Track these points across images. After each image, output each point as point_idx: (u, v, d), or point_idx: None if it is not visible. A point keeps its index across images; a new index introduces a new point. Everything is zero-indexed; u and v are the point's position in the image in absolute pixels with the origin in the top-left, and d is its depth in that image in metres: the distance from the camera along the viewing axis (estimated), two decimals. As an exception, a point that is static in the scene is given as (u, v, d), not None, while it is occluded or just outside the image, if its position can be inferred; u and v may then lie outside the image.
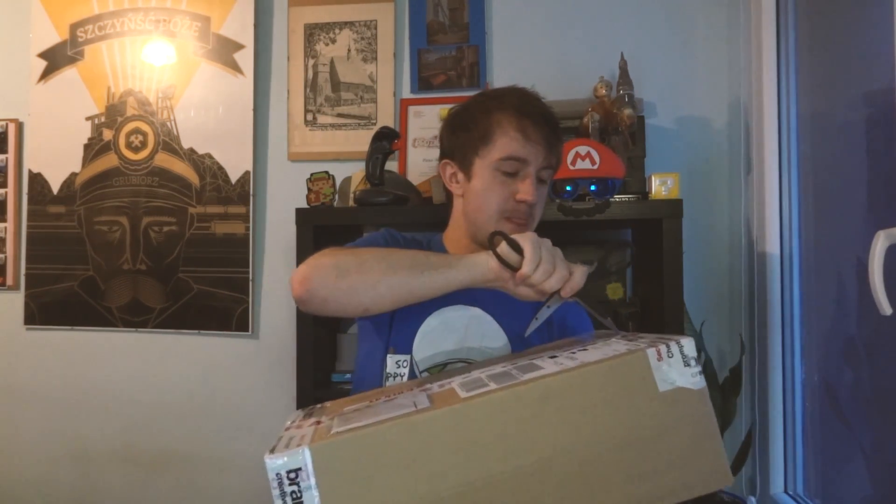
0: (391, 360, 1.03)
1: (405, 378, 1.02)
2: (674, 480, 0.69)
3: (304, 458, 0.62)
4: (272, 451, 0.64)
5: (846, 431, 1.38)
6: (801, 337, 1.54)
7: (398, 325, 1.04)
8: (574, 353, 0.76)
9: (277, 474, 0.62)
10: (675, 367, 0.69)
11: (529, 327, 0.88)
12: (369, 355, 1.07)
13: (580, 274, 0.83)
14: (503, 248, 0.84)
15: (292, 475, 0.62)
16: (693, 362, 0.69)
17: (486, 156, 1.01)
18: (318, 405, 0.91)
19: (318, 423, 0.74)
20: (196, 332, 1.96)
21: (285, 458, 0.62)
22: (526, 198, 0.99)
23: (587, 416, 0.68)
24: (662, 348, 0.69)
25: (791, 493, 1.55)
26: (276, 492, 0.62)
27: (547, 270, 0.82)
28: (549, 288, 0.83)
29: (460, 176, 1.07)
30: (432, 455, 0.65)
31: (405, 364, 1.03)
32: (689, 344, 0.70)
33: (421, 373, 1.02)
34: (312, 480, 0.62)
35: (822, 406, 1.48)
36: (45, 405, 2.05)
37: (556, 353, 0.79)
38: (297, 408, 1.56)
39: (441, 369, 1.02)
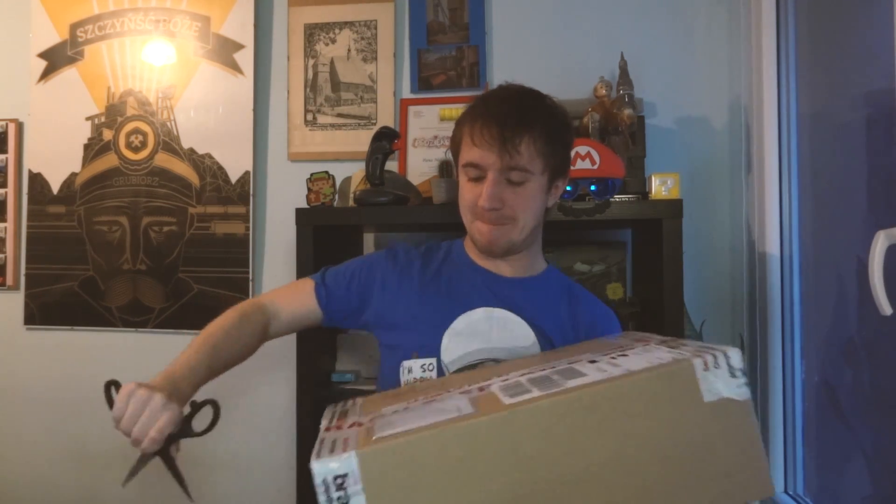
0: (416, 364, 1.02)
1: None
2: (717, 491, 0.69)
3: (351, 463, 0.62)
4: (317, 455, 0.63)
5: (846, 431, 1.38)
6: (801, 337, 1.54)
7: (422, 328, 1.04)
8: (615, 358, 0.75)
9: (324, 479, 0.62)
10: (722, 378, 0.68)
11: (126, 480, 0.85)
12: (393, 367, 1.05)
13: (157, 431, 0.81)
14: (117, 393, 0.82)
15: (339, 481, 0.62)
16: (739, 373, 0.69)
17: (459, 162, 1.05)
18: (350, 401, 0.90)
19: (359, 424, 0.74)
20: (196, 332, 1.93)
21: (335, 464, 0.62)
22: (481, 203, 0.99)
23: (634, 425, 0.67)
24: (709, 358, 0.68)
25: (791, 493, 1.55)
26: (322, 497, 0.62)
27: (130, 421, 0.81)
28: (136, 438, 0.82)
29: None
30: (479, 462, 0.65)
31: (432, 367, 1.02)
32: (735, 355, 0.69)
33: (450, 374, 1.01)
34: (360, 486, 0.62)
35: (822, 406, 1.48)
36: (45, 405, 2.05)
37: (595, 356, 0.78)
38: (297, 407, 1.57)
39: (474, 368, 1.01)
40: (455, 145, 1.06)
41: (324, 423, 0.80)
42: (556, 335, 1.05)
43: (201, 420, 0.87)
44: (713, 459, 0.68)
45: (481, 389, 0.76)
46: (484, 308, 1.05)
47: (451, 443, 0.64)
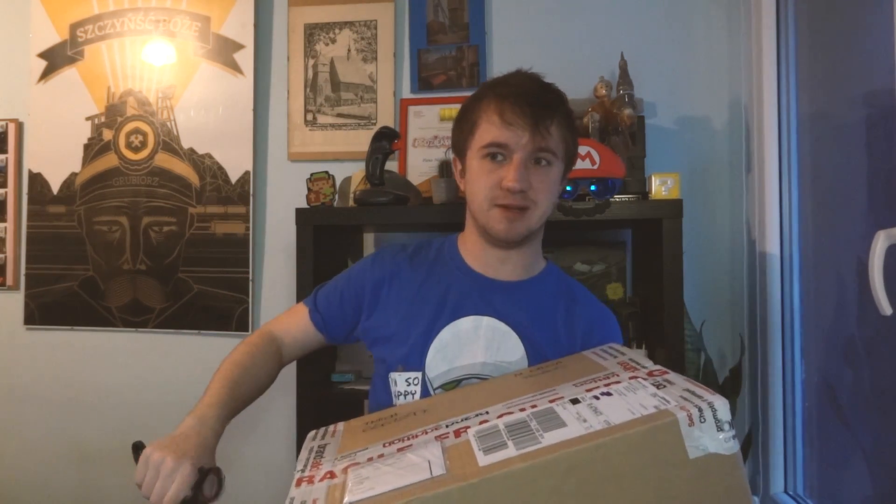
0: (400, 377, 0.99)
1: (416, 396, 0.98)
2: None
3: None
4: None
5: (846, 431, 1.38)
6: (801, 337, 1.54)
7: (408, 339, 1.01)
8: (598, 398, 0.72)
9: None
10: (708, 433, 0.65)
11: None
12: (382, 378, 1.04)
13: (169, 499, 0.81)
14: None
15: None
16: (727, 426, 0.65)
17: (473, 146, 0.99)
18: (331, 430, 0.89)
19: (331, 475, 0.72)
20: (196, 332, 1.96)
21: None
22: (508, 184, 0.94)
23: (614, 486, 0.64)
24: (694, 412, 0.64)
25: (791, 493, 1.55)
26: None
27: (148, 487, 0.83)
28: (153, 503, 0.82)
29: (462, 170, 1.04)
30: None
31: (416, 382, 0.99)
32: (722, 407, 0.65)
33: (434, 390, 0.99)
34: None
35: (822, 406, 1.48)
36: (45, 405, 2.05)
37: (577, 391, 0.75)
38: (298, 407, 1.57)
39: (455, 386, 0.98)
40: (468, 129, 1.00)
41: (298, 468, 0.79)
42: (547, 345, 1.00)
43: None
44: None
45: (457, 434, 0.73)
46: (472, 317, 1.00)
47: None
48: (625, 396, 0.71)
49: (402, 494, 0.63)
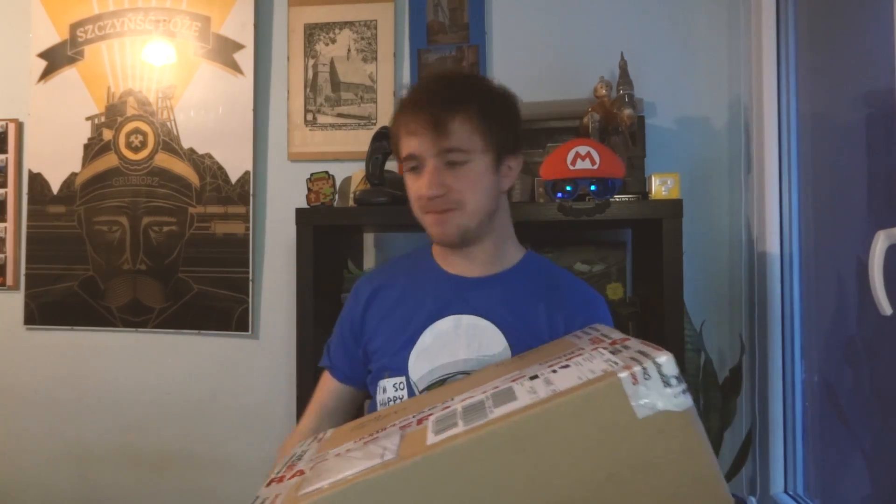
0: (388, 384, 1.00)
1: (404, 397, 0.99)
2: None
3: None
4: None
5: (846, 431, 1.38)
6: (801, 337, 1.54)
7: (391, 348, 1.02)
8: (555, 370, 0.69)
9: None
10: (655, 390, 0.61)
11: None
12: (373, 389, 1.05)
13: None
14: None
15: None
16: (674, 381, 0.62)
17: (400, 160, 1.01)
18: (317, 438, 0.89)
19: (301, 473, 0.73)
20: (196, 332, 1.96)
21: None
22: (421, 192, 0.96)
23: (563, 454, 0.61)
24: (637, 370, 0.61)
25: (791, 493, 1.55)
26: None
27: None
28: None
29: None
30: None
31: (402, 386, 0.99)
32: (667, 362, 0.62)
33: (420, 392, 0.99)
34: None
35: (822, 406, 1.48)
36: (45, 405, 2.05)
37: (540, 368, 0.73)
38: (298, 409, 1.56)
39: (440, 385, 0.98)
40: (395, 144, 1.02)
41: (274, 471, 0.79)
42: (528, 334, 0.99)
43: None
44: (658, 481, 0.62)
45: (419, 423, 0.72)
46: (452, 316, 1.00)
47: (364, 498, 0.61)
48: (580, 366, 0.68)
49: (347, 481, 0.62)
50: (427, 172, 0.95)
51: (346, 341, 1.10)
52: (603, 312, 1.06)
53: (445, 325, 1.00)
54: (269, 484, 0.75)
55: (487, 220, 1.00)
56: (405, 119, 0.96)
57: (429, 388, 0.99)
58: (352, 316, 1.10)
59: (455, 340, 0.99)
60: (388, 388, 1.00)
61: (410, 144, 0.96)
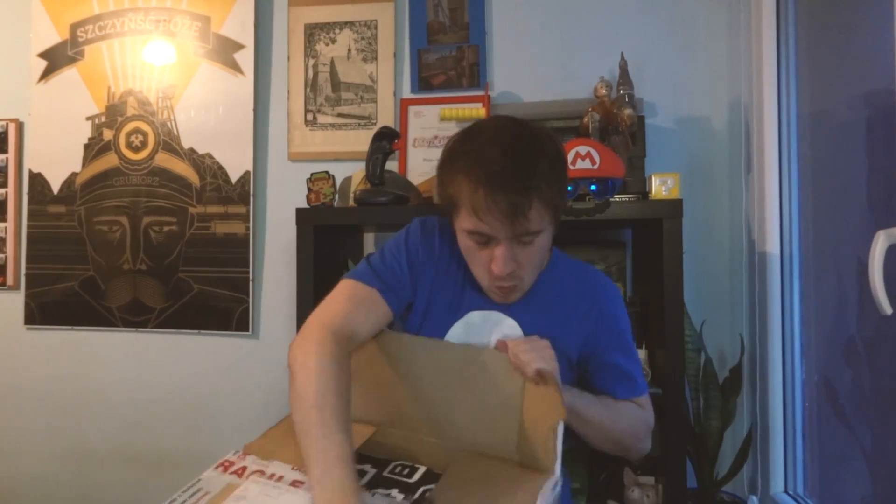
0: None
1: None
2: None
3: None
4: None
5: (846, 431, 1.38)
6: (801, 337, 1.54)
7: (425, 331, 1.06)
8: None
9: None
10: None
11: None
12: None
13: None
14: None
15: None
16: None
17: (457, 222, 0.98)
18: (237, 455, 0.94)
19: (239, 474, 0.84)
20: (196, 332, 1.96)
21: None
22: (495, 271, 0.95)
23: None
24: None
25: (791, 493, 1.55)
26: None
27: None
28: None
29: (450, 215, 1.02)
30: None
31: None
32: None
33: None
34: None
35: (822, 406, 1.48)
36: (45, 405, 2.05)
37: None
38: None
39: None
40: (448, 200, 0.98)
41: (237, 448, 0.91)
42: (544, 331, 1.01)
43: None
44: None
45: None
46: (483, 311, 1.05)
47: None
48: None
49: None
50: (500, 254, 0.94)
51: (404, 269, 1.05)
52: (614, 301, 1.10)
53: (475, 318, 1.05)
54: (217, 466, 0.86)
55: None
56: (476, 198, 0.91)
57: None
58: (417, 252, 1.06)
59: (483, 332, 1.04)
60: None
61: (480, 225, 0.93)
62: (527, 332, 1.04)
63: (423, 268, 1.07)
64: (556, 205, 0.96)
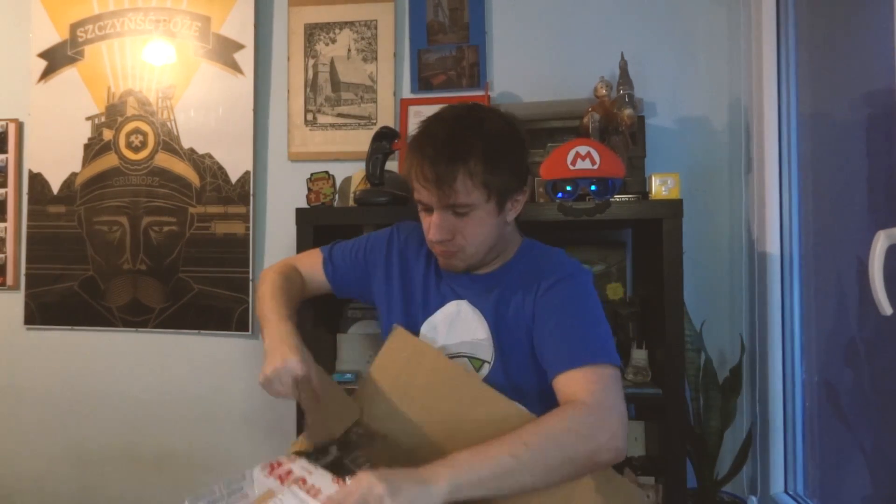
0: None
1: None
2: None
3: None
4: None
5: (846, 431, 1.38)
6: (801, 337, 1.54)
7: (403, 317, 1.12)
8: None
9: None
10: None
11: None
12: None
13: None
14: None
15: None
16: None
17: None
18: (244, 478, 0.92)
19: (282, 479, 0.84)
20: (196, 332, 1.96)
21: None
22: (429, 235, 1.03)
23: None
24: None
25: (791, 493, 1.55)
26: None
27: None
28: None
29: None
30: None
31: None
32: None
33: None
34: None
35: (822, 406, 1.48)
36: (45, 405, 2.05)
37: None
38: (298, 407, 1.56)
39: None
40: (405, 177, 1.08)
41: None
42: (508, 322, 1.05)
43: None
44: None
45: None
46: (454, 302, 1.09)
47: None
48: None
49: None
50: (434, 221, 1.01)
51: (358, 259, 1.19)
52: (571, 288, 1.03)
53: (450, 309, 1.09)
54: (265, 467, 0.85)
55: (491, 250, 1.07)
56: (413, 167, 1.01)
57: None
58: (374, 253, 1.18)
59: (443, 327, 1.09)
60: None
61: (419, 193, 1.02)
62: (489, 320, 1.06)
63: (378, 264, 1.17)
64: (490, 183, 0.98)
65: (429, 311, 1.11)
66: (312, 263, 1.21)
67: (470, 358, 1.06)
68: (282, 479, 0.84)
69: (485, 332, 1.06)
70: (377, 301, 1.17)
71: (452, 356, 1.06)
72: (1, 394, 2.09)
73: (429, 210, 1.03)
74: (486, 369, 1.05)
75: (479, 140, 0.98)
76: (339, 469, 0.88)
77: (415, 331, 1.08)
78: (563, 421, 0.85)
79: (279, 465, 0.87)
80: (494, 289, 1.07)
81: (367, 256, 1.18)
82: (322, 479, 0.84)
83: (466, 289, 1.09)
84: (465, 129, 0.99)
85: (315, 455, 0.91)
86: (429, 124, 1.04)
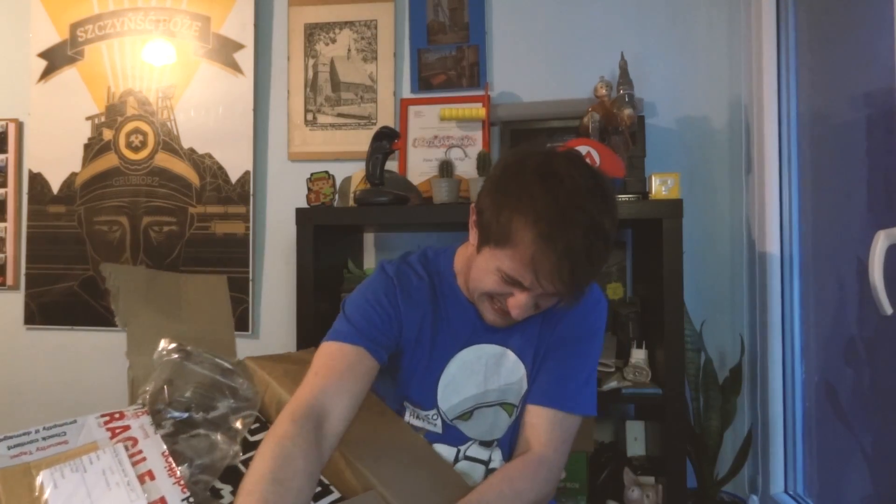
0: (419, 413, 1.03)
1: (438, 429, 1.03)
2: None
3: None
4: None
5: (846, 431, 1.38)
6: (801, 337, 1.54)
7: (416, 379, 1.02)
8: None
9: None
10: None
11: None
12: (393, 399, 1.06)
13: None
14: None
15: None
16: None
17: (496, 253, 0.89)
18: None
19: None
20: (196, 331, 1.96)
21: None
22: (513, 314, 0.92)
23: None
24: None
25: (791, 493, 1.55)
26: None
27: None
28: None
29: (474, 237, 0.96)
30: None
31: (436, 417, 1.03)
32: None
33: (451, 421, 1.03)
34: None
35: (822, 406, 1.48)
36: (45, 405, 2.05)
37: None
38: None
39: (469, 416, 1.03)
40: (497, 230, 0.88)
41: None
42: (532, 353, 1.02)
43: None
44: None
45: None
46: (472, 347, 1.02)
47: None
48: None
49: None
50: (524, 301, 0.90)
51: (384, 320, 0.99)
52: (592, 317, 1.05)
53: (469, 355, 1.03)
54: (106, 414, 0.79)
55: None
56: (540, 254, 0.84)
57: (459, 417, 1.03)
58: (388, 304, 1.00)
59: (479, 371, 1.03)
60: (417, 421, 1.04)
61: (526, 279, 0.88)
62: (522, 358, 1.02)
63: (406, 315, 1.01)
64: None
65: (453, 350, 1.02)
66: (357, 369, 0.93)
67: (503, 405, 1.04)
68: (113, 434, 0.75)
69: (520, 373, 1.03)
70: (404, 341, 1.02)
71: (481, 405, 1.03)
72: (1, 394, 2.09)
73: (512, 283, 0.89)
74: (515, 414, 1.04)
75: (611, 245, 0.90)
76: (191, 427, 0.79)
77: (437, 374, 1.02)
78: (529, 482, 0.95)
79: (121, 416, 0.78)
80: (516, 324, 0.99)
81: (395, 313, 1.00)
82: (152, 448, 0.75)
83: (484, 327, 1.01)
84: (606, 236, 0.87)
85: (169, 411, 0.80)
86: (563, 213, 0.84)
